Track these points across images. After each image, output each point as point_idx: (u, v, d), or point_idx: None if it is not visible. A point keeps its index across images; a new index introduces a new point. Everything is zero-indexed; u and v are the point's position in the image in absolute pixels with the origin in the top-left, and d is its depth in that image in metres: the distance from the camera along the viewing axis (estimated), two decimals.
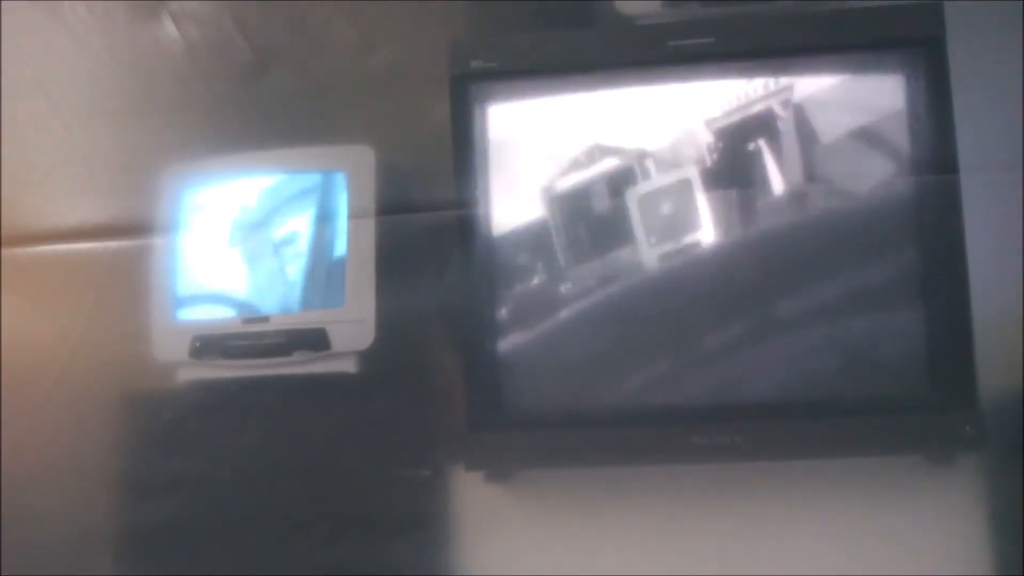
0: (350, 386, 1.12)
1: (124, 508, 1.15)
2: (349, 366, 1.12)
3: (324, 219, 1.14)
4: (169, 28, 1.20)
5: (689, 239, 1.07)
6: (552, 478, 1.10)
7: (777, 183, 1.07)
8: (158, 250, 1.16)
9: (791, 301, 1.06)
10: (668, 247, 1.07)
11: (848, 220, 1.06)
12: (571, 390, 1.09)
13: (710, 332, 1.06)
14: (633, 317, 1.08)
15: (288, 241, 1.15)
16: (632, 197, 1.08)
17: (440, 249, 1.11)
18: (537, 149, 1.10)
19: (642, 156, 1.09)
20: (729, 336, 1.06)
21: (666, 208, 1.07)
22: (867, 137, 1.06)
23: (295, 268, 1.14)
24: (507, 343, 1.09)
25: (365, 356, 1.12)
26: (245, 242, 1.15)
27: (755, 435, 1.04)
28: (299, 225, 1.15)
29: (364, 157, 1.13)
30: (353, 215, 1.13)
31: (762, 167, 1.07)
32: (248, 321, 1.13)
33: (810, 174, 1.06)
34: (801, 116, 1.06)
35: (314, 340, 1.11)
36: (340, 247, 1.13)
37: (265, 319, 1.13)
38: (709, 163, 1.08)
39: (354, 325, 1.11)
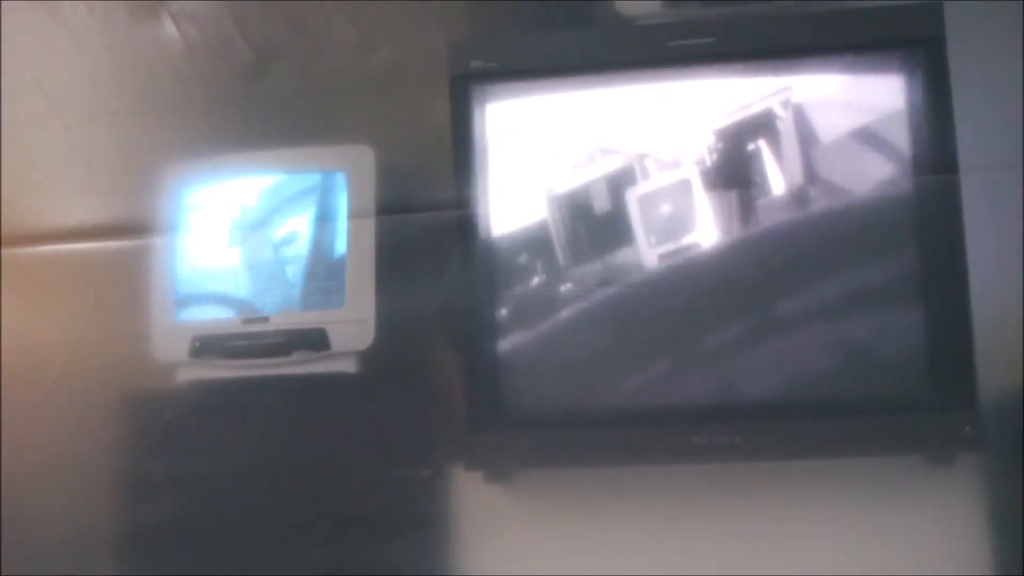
0: (350, 386, 1.12)
1: (124, 508, 1.15)
2: (349, 366, 1.12)
3: (324, 219, 1.14)
4: (169, 28, 1.20)
5: (689, 239, 1.07)
6: (552, 478, 1.10)
7: (777, 183, 1.07)
8: (158, 250, 1.16)
9: (791, 301, 1.06)
10: (668, 247, 1.07)
11: (848, 220, 1.06)
12: (571, 390, 1.09)
13: (710, 332, 1.06)
14: (633, 317, 1.08)
15: (288, 241, 1.15)
16: (632, 197, 1.08)
17: (440, 249, 1.11)
18: (537, 149, 1.10)
19: (642, 156, 1.09)
20: (729, 336, 1.06)
21: (666, 208, 1.07)
22: (867, 137, 1.06)
23: (295, 268, 1.14)
24: (507, 343, 1.09)
25: (365, 356, 1.12)
26: (245, 242, 1.15)
27: (755, 435, 1.04)
28: (299, 225, 1.15)
29: (364, 157, 1.13)
30: (353, 215, 1.13)
31: (762, 167, 1.07)
32: (248, 321, 1.13)
33: (810, 174, 1.06)
34: (801, 116, 1.06)
35: (314, 340, 1.11)
36: (340, 247, 1.13)
37: (265, 319, 1.13)
38: (709, 163, 1.08)
39: (354, 325, 1.11)
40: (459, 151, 1.10)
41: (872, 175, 1.06)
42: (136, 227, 1.17)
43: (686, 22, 1.09)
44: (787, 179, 1.06)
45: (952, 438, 1.02)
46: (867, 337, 1.05)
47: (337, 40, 1.18)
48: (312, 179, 1.16)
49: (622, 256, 1.08)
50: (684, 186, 1.07)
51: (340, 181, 1.14)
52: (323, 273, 1.14)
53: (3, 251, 1.18)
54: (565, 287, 1.08)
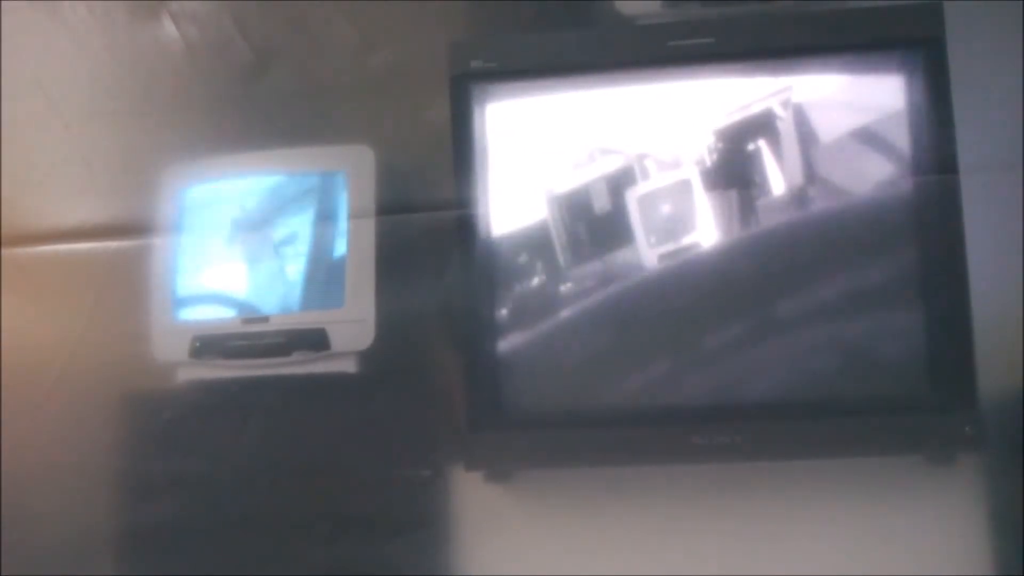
0: (350, 386, 1.12)
1: (124, 508, 1.15)
2: (349, 366, 1.12)
3: (324, 219, 1.14)
4: (169, 28, 1.20)
5: (689, 239, 1.07)
6: (552, 478, 1.10)
7: (777, 183, 1.07)
8: (158, 250, 1.16)
9: (791, 301, 1.06)
10: (668, 247, 1.07)
11: (848, 220, 1.06)
12: (571, 390, 1.09)
13: (710, 332, 1.06)
14: (633, 317, 1.08)
15: (288, 241, 1.15)
16: (632, 197, 1.08)
17: (440, 249, 1.11)
18: (537, 149, 1.10)
19: (642, 156, 1.09)
20: (729, 336, 1.06)
21: (666, 208, 1.07)
22: (867, 137, 1.06)
23: (295, 268, 1.14)
24: (507, 343, 1.09)
25: (365, 356, 1.12)
26: (245, 242, 1.15)
27: (755, 435, 1.04)
28: (299, 225, 1.15)
29: (364, 157, 1.14)
30: (353, 215, 1.13)
31: (762, 167, 1.07)
32: (248, 321, 1.13)
33: (810, 174, 1.06)
34: (801, 116, 1.06)
35: (314, 340, 1.11)
36: (340, 247, 1.13)
37: (265, 319, 1.13)
38: (709, 163, 1.08)
39: (354, 325, 1.11)
40: (459, 151, 1.10)
41: (872, 175, 1.06)
42: (136, 227, 1.17)
43: (686, 22, 1.09)
44: (787, 179, 1.06)
45: (952, 438, 1.02)
46: (867, 337, 1.05)
47: (337, 40, 1.18)
48: (312, 179, 1.16)
49: (622, 256, 1.08)
50: (684, 186, 1.07)
51: (340, 181, 1.14)
52: (323, 273, 1.14)
53: (3, 251, 1.18)
54: (565, 287, 1.09)
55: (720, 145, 1.07)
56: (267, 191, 1.16)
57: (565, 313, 1.08)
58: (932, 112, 1.04)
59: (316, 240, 1.14)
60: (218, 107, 1.20)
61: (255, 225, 1.16)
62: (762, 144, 1.07)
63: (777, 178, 1.07)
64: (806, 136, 1.06)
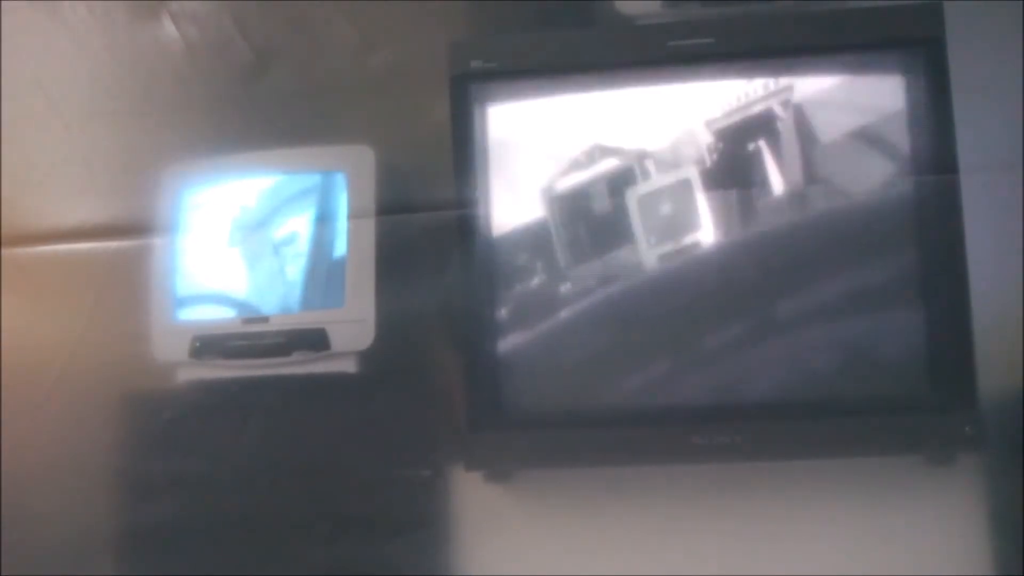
0: (350, 386, 1.12)
1: (124, 508, 1.15)
2: (349, 366, 1.12)
3: (324, 219, 1.14)
4: (169, 28, 1.20)
5: (689, 239, 1.07)
6: (552, 478, 1.10)
7: (777, 183, 1.07)
8: (158, 250, 1.16)
9: (791, 301, 1.06)
10: (668, 247, 1.07)
11: (848, 220, 1.06)
12: (571, 390, 1.09)
13: (710, 332, 1.06)
14: (633, 317, 1.08)
15: (288, 241, 1.15)
16: (632, 197, 1.08)
17: (440, 249, 1.11)
18: (537, 149, 1.10)
19: (642, 156, 1.09)
20: (729, 336, 1.06)
21: (666, 208, 1.07)
22: (867, 137, 1.06)
23: (295, 268, 1.14)
24: (507, 343, 1.09)
25: (365, 356, 1.12)
26: (245, 242, 1.15)
27: (755, 435, 1.04)
28: (299, 225, 1.15)
29: (364, 157, 1.13)
30: (353, 215, 1.13)
31: (762, 167, 1.07)
32: (248, 321, 1.13)
33: (810, 174, 1.06)
34: (801, 116, 1.06)
35: (314, 340, 1.11)
36: (340, 247, 1.13)
37: (265, 319, 1.13)
38: (709, 163, 1.08)
39: (354, 325, 1.11)
40: (459, 151, 1.10)
41: (872, 175, 1.06)
42: (136, 227, 1.17)
43: (686, 22, 1.09)
44: (787, 179, 1.06)
45: (952, 438, 1.02)
46: (867, 337, 1.05)
47: (337, 40, 1.18)
48: (312, 179, 1.16)
49: (622, 256, 1.08)
50: (684, 186, 1.07)
51: (340, 181, 1.14)
52: (323, 273, 1.14)
53: (3, 251, 1.18)
54: (565, 287, 1.08)
55: (720, 145, 1.07)
56: (267, 191, 1.16)
57: (565, 313, 1.08)
58: (932, 112, 1.04)
59: (316, 240, 1.14)
60: (218, 107, 1.20)
61: (255, 225, 1.16)
62: (762, 144, 1.07)
63: (777, 178, 1.07)
64: (806, 136, 1.06)
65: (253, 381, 1.12)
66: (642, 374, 1.07)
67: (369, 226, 1.12)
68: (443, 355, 1.12)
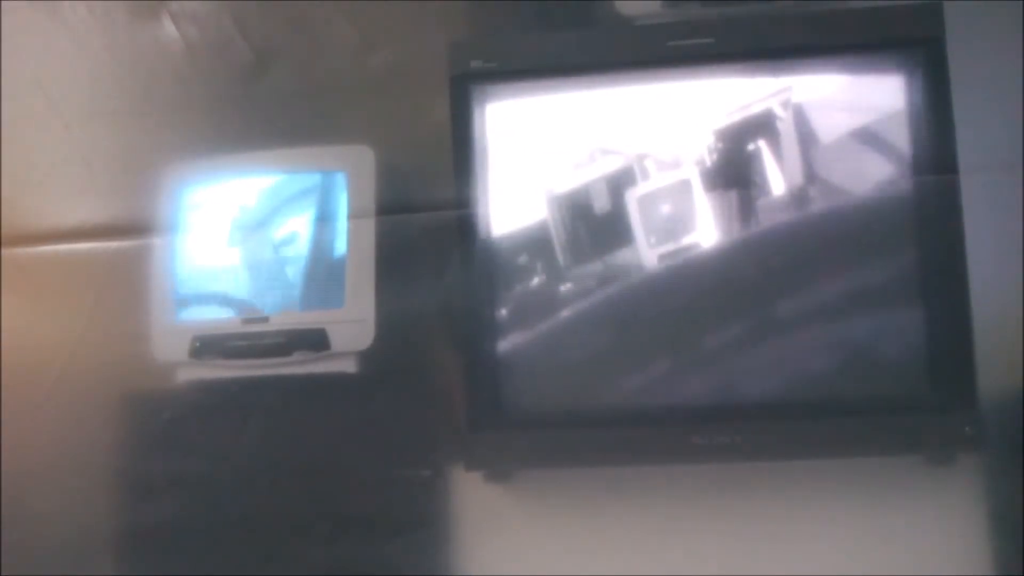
0: (350, 386, 1.12)
1: (124, 508, 1.15)
2: (349, 366, 1.12)
3: (324, 219, 1.14)
4: (169, 28, 1.20)
5: (689, 239, 1.07)
6: (552, 478, 1.10)
7: (777, 183, 1.07)
8: (158, 250, 1.16)
9: (791, 301, 1.06)
10: (668, 247, 1.07)
11: (848, 220, 1.06)
12: (571, 390, 1.09)
13: (710, 332, 1.06)
14: (633, 317, 1.08)
15: (288, 241, 1.15)
16: (632, 197, 1.08)
17: (440, 249, 1.11)
18: (537, 149, 1.10)
19: (642, 156, 1.09)
20: (729, 336, 1.06)
21: (666, 208, 1.07)
22: (867, 137, 1.06)
23: (295, 268, 1.14)
24: (507, 343, 1.09)
25: (365, 356, 1.12)
26: (245, 242, 1.15)
27: (755, 435, 1.04)
28: (299, 225, 1.15)
29: (364, 157, 1.13)
30: (353, 215, 1.13)
31: (762, 167, 1.07)
32: (248, 321, 1.13)
33: (810, 174, 1.06)
34: (801, 116, 1.06)
35: (314, 340, 1.11)
36: (340, 247, 1.13)
37: (265, 319, 1.13)
38: (709, 163, 1.08)
39: (354, 325, 1.11)
40: (459, 151, 1.10)
41: (872, 175, 1.06)
42: (136, 227, 1.17)
43: (686, 22, 1.09)
44: (787, 179, 1.06)
45: (952, 438, 1.02)
46: (867, 337, 1.05)
47: (337, 40, 1.18)
48: (312, 179, 1.16)
49: (622, 256, 1.08)
50: (684, 186, 1.07)
51: (340, 181, 1.14)
52: (323, 273, 1.14)
53: (3, 251, 1.18)
54: (565, 287, 1.08)
55: (720, 145, 1.07)
56: (267, 191, 1.16)
57: (565, 313, 1.08)
58: (932, 112, 1.04)
59: (316, 240, 1.14)
60: (218, 107, 1.20)
61: (255, 225, 1.16)
62: (762, 144, 1.07)
63: (777, 178, 1.07)
64: (806, 136, 1.06)
65: (253, 381, 1.12)
66: (642, 374, 1.07)
67: (369, 226, 1.12)
68: (443, 355, 1.12)
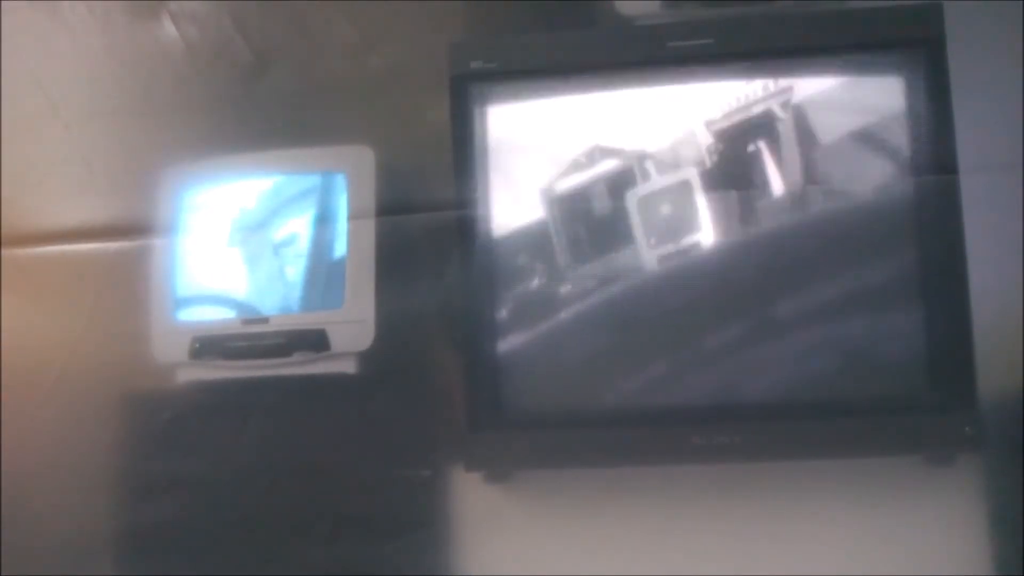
0: (350, 386, 1.12)
1: (124, 508, 1.15)
2: (349, 367, 1.12)
3: (324, 220, 1.14)
4: (169, 28, 1.20)
5: (689, 240, 1.07)
6: (552, 478, 1.10)
7: (777, 184, 1.07)
8: (158, 250, 1.16)
9: (791, 301, 1.06)
10: (668, 248, 1.07)
11: (848, 220, 1.06)
12: (571, 390, 1.09)
13: (710, 332, 1.06)
14: (633, 318, 1.08)
15: (288, 242, 1.15)
16: (632, 198, 1.08)
17: (440, 249, 1.11)
18: (537, 150, 1.10)
19: (642, 157, 1.08)
20: (729, 336, 1.06)
21: (666, 209, 1.07)
22: (867, 138, 1.06)
23: (295, 269, 1.14)
24: (507, 343, 1.09)
25: (365, 357, 1.12)
26: (245, 243, 1.15)
27: (755, 435, 1.04)
28: (299, 226, 1.15)
29: (364, 157, 1.13)
30: (353, 216, 1.13)
31: (762, 168, 1.07)
32: (248, 322, 1.13)
33: (810, 175, 1.06)
34: (801, 117, 1.06)
35: (314, 341, 1.11)
36: (340, 248, 1.13)
37: (265, 320, 1.13)
38: (709, 164, 1.07)
39: (354, 326, 1.11)
40: (459, 151, 1.10)
41: (872, 176, 1.06)
42: (136, 228, 1.17)
43: (686, 22, 1.09)
44: (787, 180, 1.06)
45: (952, 438, 1.02)
46: (867, 337, 1.05)
47: (337, 40, 1.18)
48: (312, 180, 1.15)
49: (622, 257, 1.08)
50: (684, 187, 1.07)
51: (340, 182, 1.14)
52: (323, 274, 1.14)
53: (3, 251, 1.18)
54: (565, 288, 1.08)
55: (720, 146, 1.07)
56: (267, 192, 1.16)
57: (565, 313, 1.08)
58: (932, 112, 1.04)
59: (316, 241, 1.14)
60: (218, 107, 1.20)
61: (255, 225, 1.16)
62: (762, 145, 1.07)
63: (777, 179, 1.06)
64: (806, 137, 1.06)
65: (253, 381, 1.12)
66: (642, 374, 1.07)
67: (369, 227, 1.12)
68: (443, 355, 1.12)
